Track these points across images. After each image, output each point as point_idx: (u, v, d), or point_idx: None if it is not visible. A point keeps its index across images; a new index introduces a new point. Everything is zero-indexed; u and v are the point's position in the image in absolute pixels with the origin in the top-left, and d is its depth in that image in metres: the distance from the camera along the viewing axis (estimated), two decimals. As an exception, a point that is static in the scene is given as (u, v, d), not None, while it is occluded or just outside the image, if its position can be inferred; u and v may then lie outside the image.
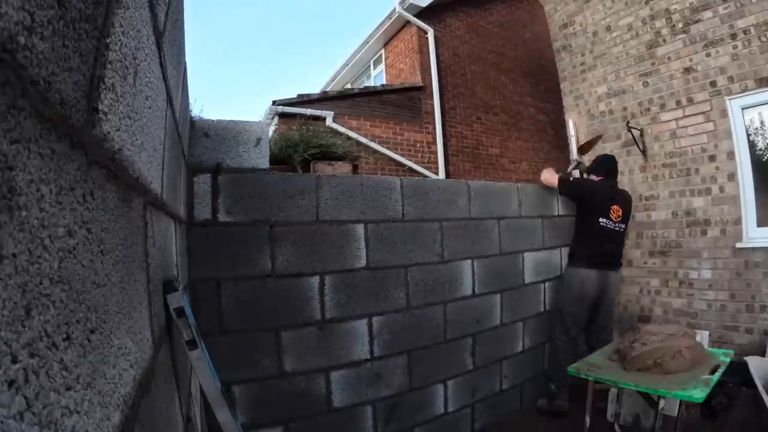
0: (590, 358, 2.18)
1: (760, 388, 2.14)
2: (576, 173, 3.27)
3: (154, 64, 0.62)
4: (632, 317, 3.65)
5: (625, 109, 3.97)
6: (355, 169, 4.76)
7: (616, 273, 2.83)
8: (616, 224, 2.74)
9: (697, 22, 3.43)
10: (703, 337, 3.05)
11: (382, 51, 6.51)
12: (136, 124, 0.51)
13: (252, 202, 1.70)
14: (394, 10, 5.45)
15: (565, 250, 3.13)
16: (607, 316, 2.80)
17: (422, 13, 5.48)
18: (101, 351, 0.35)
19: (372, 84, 6.82)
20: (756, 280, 3.06)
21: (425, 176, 4.94)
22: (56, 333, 0.26)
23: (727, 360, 1.98)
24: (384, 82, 6.23)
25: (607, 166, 2.89)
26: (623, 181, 3.94)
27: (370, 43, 6.38)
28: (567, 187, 2.81)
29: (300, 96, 4.68)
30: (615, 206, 2.74)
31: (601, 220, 2.72)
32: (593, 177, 2.89)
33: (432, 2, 5.46)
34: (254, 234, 1.69)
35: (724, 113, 3.29)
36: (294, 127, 4.48)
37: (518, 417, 2.61)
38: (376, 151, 4.90)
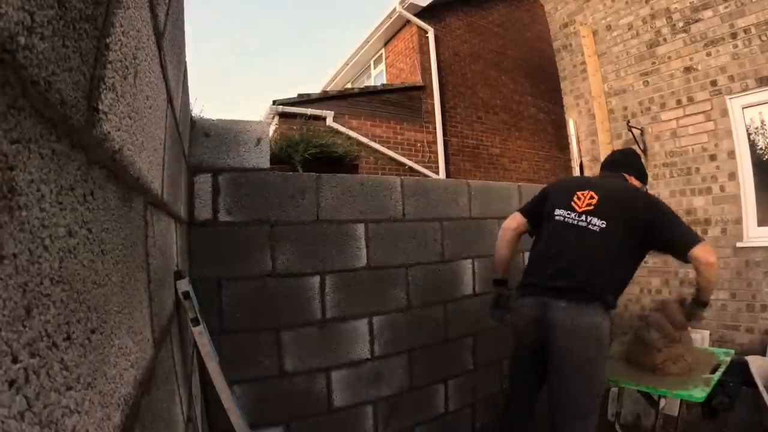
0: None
1: (761, 388, 2.13)
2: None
3: (155, 63, 0.62)
4: (632, 317, 3.64)
5: (625, 108, 3.96)
6: (355, 168, 4.77)
7: (574, 308, 1.47)
8: (585, 217, 1.57)
9: (697, 21, 3.43)
10: (703, 336, 3.04)
11: (383, 50, 6.51)
12: (137, 124, 0.51)
13: (252, 201, 1.70)
14: (395, 9, 5.45)
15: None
16: (560, 391, 1.47)
17: (422, 13, 5.48)
18: (102, 351, 0.35)
19: (372, 83, 6.82)
20: (756, 279, 3.06)
21: (426, 176, 4.94)
22: (57, 333, 0.26)
23: (728, 359, 1.98)
24: (384, 82, 6.23)
25: (605, 159, 1.97)
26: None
27: (371, 42, 6.38)
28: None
29: (300, 96, 4.67)
30: (584, 192, 1.64)
31: (557, 212, 1.65)
32: None
33: (432, 2, 5.46)
34: (255, 234, 1.69)
35: (724, 112, 3.28)
36: (294, 127, 4.49)
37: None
38: (376, 151, 4.90)
